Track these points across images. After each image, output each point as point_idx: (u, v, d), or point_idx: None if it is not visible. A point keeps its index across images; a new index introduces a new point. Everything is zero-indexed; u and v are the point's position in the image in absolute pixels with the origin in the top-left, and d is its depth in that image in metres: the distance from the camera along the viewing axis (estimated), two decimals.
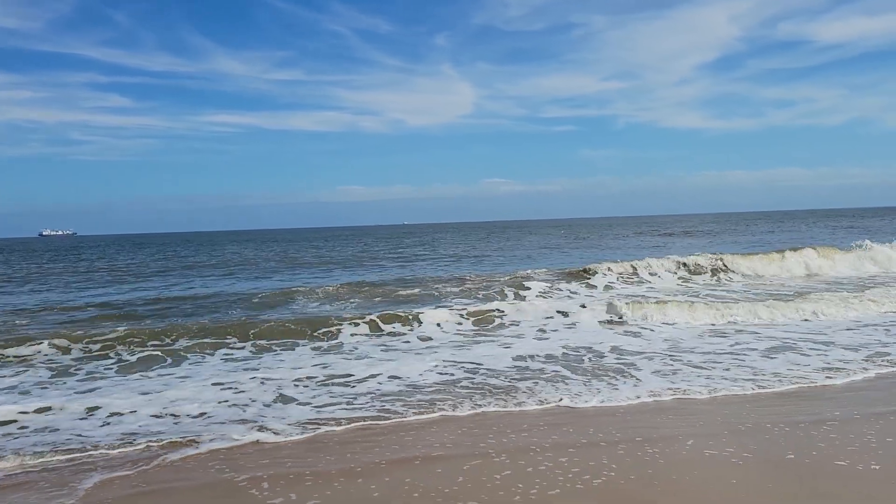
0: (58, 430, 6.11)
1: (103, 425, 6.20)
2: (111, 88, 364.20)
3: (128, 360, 9.35)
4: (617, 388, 7.13)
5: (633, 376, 7.68)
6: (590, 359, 8.76)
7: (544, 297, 15.12)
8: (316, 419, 6.23)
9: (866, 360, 8.14)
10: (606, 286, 17.04)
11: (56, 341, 10.13)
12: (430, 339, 10.69)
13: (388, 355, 9.34)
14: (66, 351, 9.88)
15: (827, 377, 7.38)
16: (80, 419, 6.44)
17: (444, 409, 6.45)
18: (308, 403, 6.83)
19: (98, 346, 10.09)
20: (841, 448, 4.99)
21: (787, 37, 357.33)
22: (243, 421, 6.24)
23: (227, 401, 6.94)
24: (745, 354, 8.83)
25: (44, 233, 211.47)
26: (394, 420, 6.20)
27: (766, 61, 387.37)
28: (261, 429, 5.95)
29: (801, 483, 4.37)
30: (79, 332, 10.67)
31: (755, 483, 4.37)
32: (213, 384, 7.72)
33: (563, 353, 9.11)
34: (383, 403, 6.73)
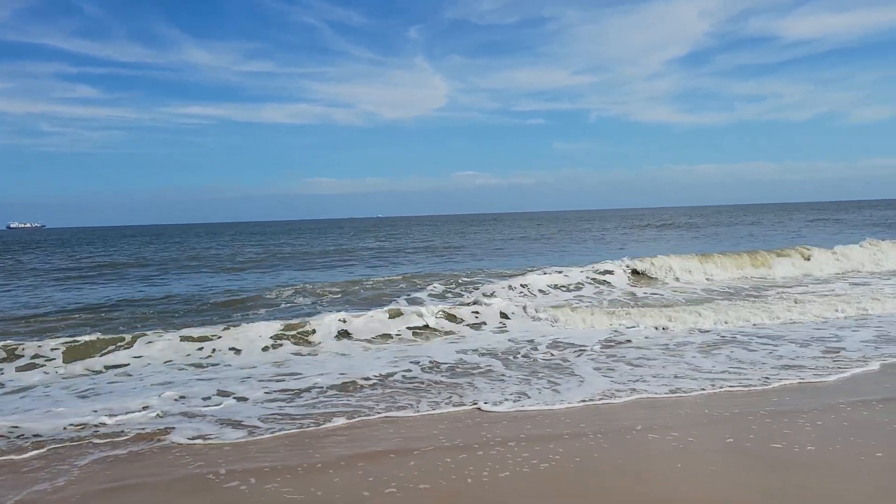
0: None
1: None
2: (80, 79, 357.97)
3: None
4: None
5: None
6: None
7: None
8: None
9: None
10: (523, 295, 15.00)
11: None
12: None
13: None
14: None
15: None
16: None
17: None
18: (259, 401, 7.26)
19: None
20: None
21: (756, 32, 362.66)
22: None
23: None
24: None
25: (11, 225, 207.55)
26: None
27: (736, 56, 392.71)
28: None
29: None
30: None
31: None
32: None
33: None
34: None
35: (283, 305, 14.52)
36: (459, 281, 16.94)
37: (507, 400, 7.03)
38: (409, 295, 15.21)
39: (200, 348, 9.94)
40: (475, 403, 6.92)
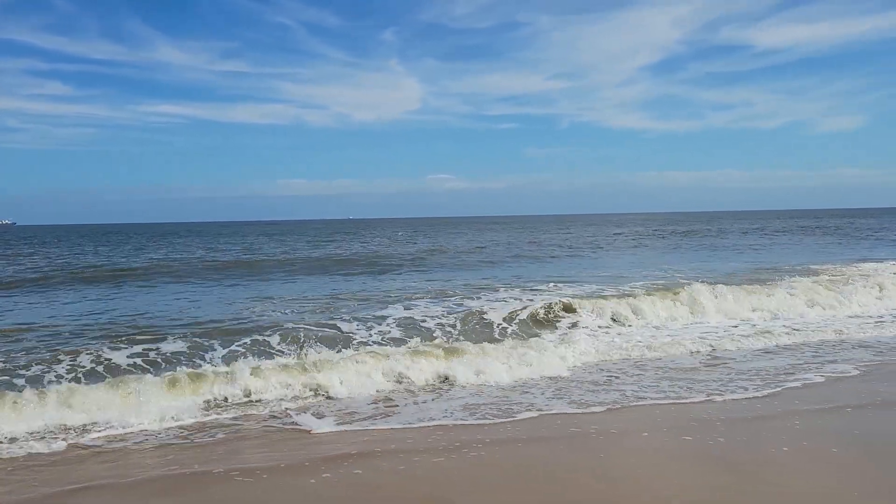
0: None
1: None
2: (50, 75, 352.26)
3: None
4: None
5: None
6: None
7: None
8: None
9: None
10: None
11: None
12: None
13: None
14: None
15: None
16: None
17: None
18: None
19: None
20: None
21: (727, 41, 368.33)
22: None
23: None
24: None
25: None
26: None
27: (707, 64, 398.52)
28: None
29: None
30: None
31: None
32: None
33: None
34: None
35: None
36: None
37: None
38: None
39: None
40: None
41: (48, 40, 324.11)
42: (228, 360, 9.14)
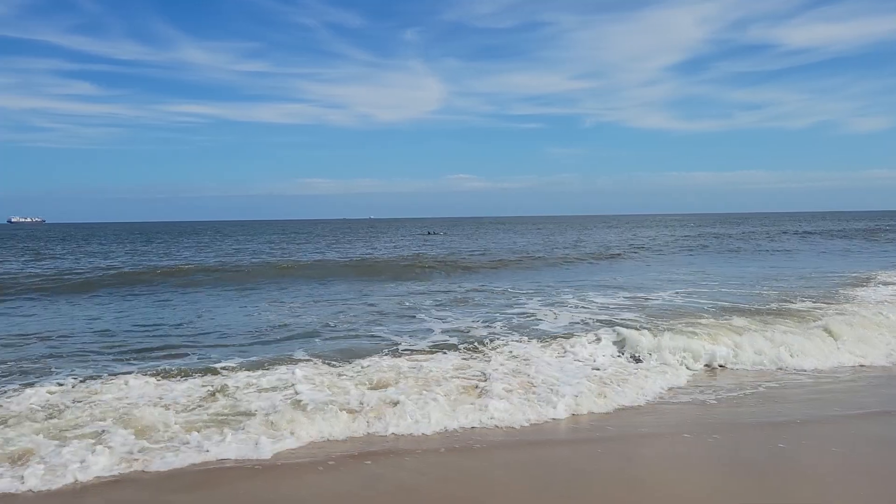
0: None
1: None
2: (77, 76, 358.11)
3: None
4: None
5: None
6: None
7: None
8: None
9: None
10: None
11: None
12: None
13: None
14: None
15: None
16: None
17: None
18: None
19: None
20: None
21: (754, 40, 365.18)
22: None
23: None
24: None
25: (13, 219, 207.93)
26: None
27: (733, 64, 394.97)
28: None
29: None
30: None
31: None
32: None
33: None
34: None
35: None
36: None
37: None
38: None
39: None
40: None
41: (75, 41, 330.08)
42: None
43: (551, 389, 7.74)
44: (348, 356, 9.19)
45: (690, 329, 10.68)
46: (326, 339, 10.77)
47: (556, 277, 21.28)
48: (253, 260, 29.88)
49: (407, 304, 15.03)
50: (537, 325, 11.96)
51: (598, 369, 8.83)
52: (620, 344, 9.89)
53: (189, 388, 7.51)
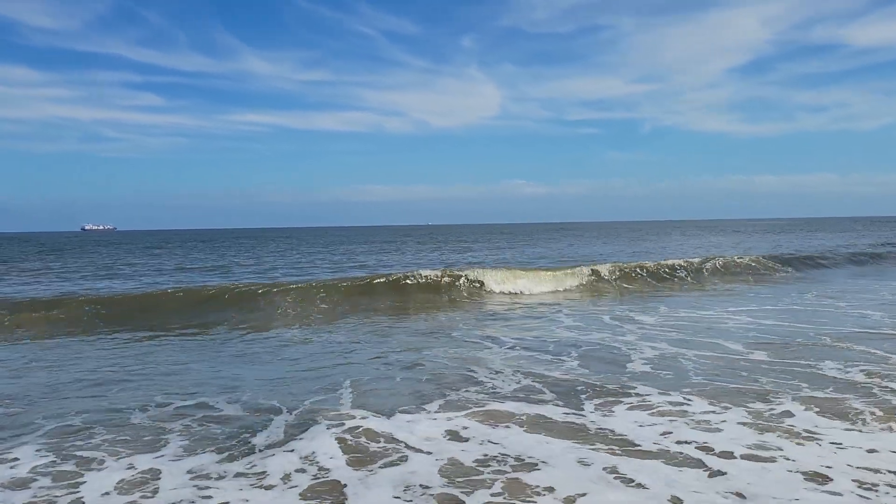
0: None
1: None
2: (144, 87, 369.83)
3: None
4: None
5: None
6: None
7: None
8: None
9: None
10: None
11: None
12: None
13: None
14: None
15: None
16: None
17: None
18: None
19: None
20: None
21: (820, 40, 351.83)
22: None
23: None
24: None
25: (86, 227, 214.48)
26: None
27: (798, 65, 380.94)
28: None
29: None
30: None
31: None
32: None
33: None
34: None
35: None
36: None
37: None
38: None
39: None
40: None
41: (143, 54, 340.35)
42: None
43: None
44: None
45: None
46: None
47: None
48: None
49: None
50: None
51: None
52: None
53: None
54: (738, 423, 6.15)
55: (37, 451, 5.74)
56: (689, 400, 6.97)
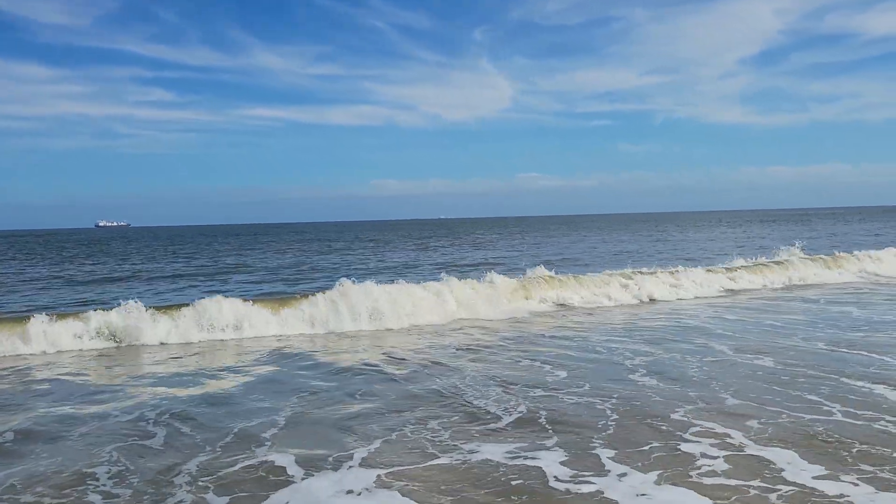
0: None
1: None
2: (155, 83, 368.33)
3: None
4: None
5: None
6: None
7: None
8: None
9: None
10: None
11: None
12: None
13: None
14: None
15: None
16: None
17: None
18: None
19: None
20: None
21: (832, 30, 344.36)
22: None
23: None
24: None
25: (100, 224, 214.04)
26: None
27: (811, 55, 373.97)
28: None
29: None
30: None
31: None
32: None
33: None
34: None
35: None
36: None
37: None
38: None
39: None
40: None
41: (152, 49, 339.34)
42: None
43: None
44: None
45: None
46: None
47: None
48: None
49: None
50: None
51: None
52: None
53: None
54: None
55: None
56: None
